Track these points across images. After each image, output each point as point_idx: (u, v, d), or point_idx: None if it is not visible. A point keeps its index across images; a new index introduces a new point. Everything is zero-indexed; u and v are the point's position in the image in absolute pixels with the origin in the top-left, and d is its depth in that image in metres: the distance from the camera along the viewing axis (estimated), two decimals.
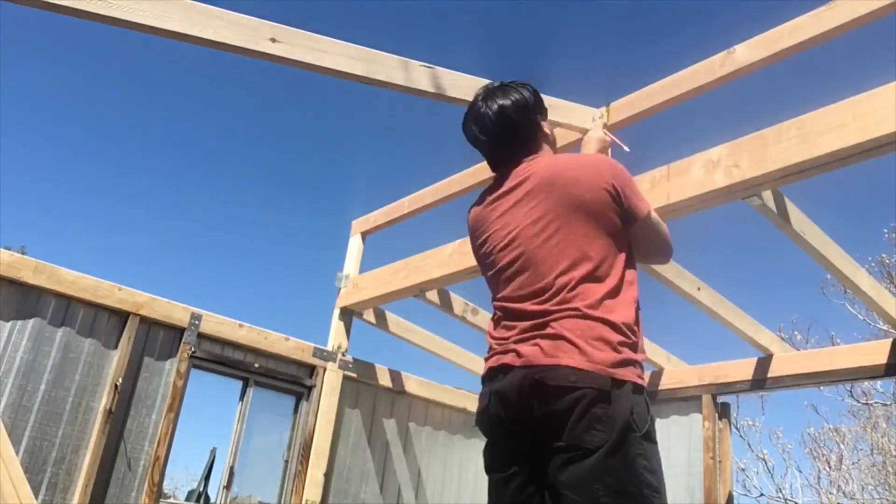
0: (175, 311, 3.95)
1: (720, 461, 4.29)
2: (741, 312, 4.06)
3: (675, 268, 3.70)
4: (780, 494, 14.46)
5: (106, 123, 33.14)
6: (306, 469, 4.19)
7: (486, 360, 1.93)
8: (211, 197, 36.98)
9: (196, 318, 3.98)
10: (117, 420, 3.69)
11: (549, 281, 1.82)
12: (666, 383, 4.60)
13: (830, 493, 14.58)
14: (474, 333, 4.70)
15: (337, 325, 4.58)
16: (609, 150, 2.63)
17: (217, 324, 4.06)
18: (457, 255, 3.87)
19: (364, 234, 4.82)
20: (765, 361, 4.23)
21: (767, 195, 2.90)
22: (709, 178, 2.80)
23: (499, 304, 1.96)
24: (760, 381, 4.22)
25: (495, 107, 2.09)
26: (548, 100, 3.17)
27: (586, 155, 2.35)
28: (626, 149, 2.50)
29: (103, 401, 3.67)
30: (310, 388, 4.35)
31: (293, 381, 4.33)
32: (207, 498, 5.03)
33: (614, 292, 1.81)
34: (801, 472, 15.18)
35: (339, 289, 4.65)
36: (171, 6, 2.43)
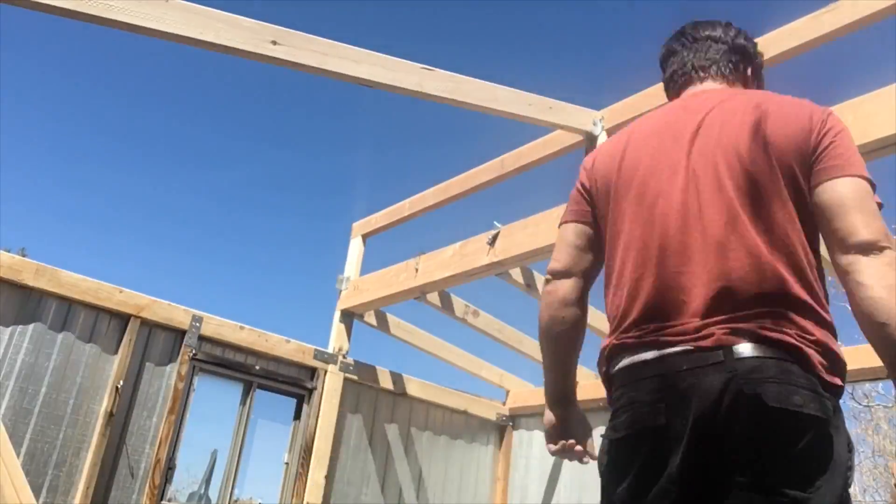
0: (176, 313, 3.95)
1: None
2: None
3: None
4: None
5: (107, 125, 33.19)
6: (307, 471, 4.19)
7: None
8: (212, 199, 37.01)
9: (197, 320, 3.98)
10: (118, 422, 3.69)
11: None
12: None
13: None
14: (475, 335, 4.70)
15: (338, 328, 4.58)
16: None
17: (218, 326, 4.06)
18: (458, 256, 3.87)
19: (365, 237, 4.82)
20: None
21: None
22: None
23: None
24: None
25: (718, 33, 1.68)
26: (546, 101, 3.19)
27: None
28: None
29: (104, 403, 3.66)
30: (311, 391, 4.35)
31: (294, 383, 4.32)
32: (209, 500, 5.02)
33: None
34: None
35: (340, 291, 4.65)
36: (172, 9, 2.44)
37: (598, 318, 4.22)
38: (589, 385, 4.66)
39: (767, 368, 1.26)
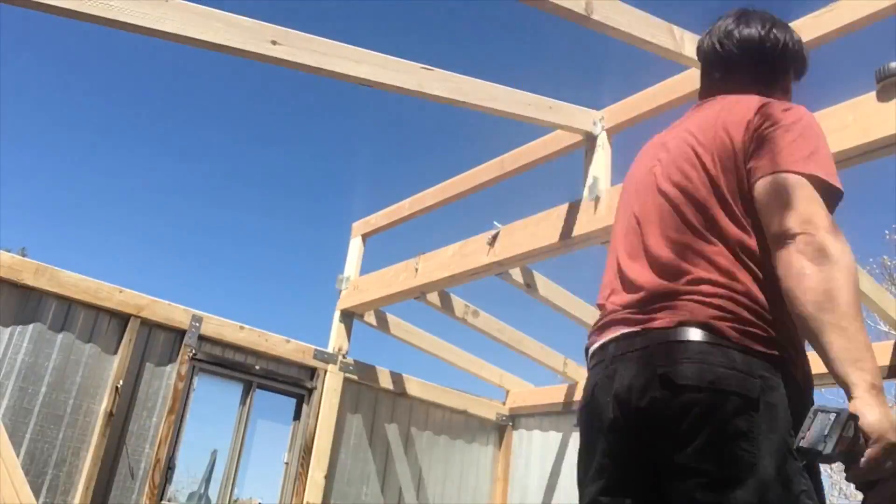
0: (176, 313, 3.95)
1: None
2: None
3: None
4: None
5: (108, 126, 33.20)
6: (307, 471, 4.19)
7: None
8: (212, 199, 37.03)
9: (197, 320, 3.98)
10: (118, 422, 3.69)
11: None
12: None
13: (832, 496, 14.56)
14: (475, 335, 4.70)
15: (338, 327, 4.57)
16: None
17: (218, 326, 4.06)
18: (458, 256, 3.87)
19: (365, 237, 4.82)
20: None
21: None
22: None
23: None
24: None
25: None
26: (546, 101, 3.19)
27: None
28: None
29: (104, 403, 3.66)
30: (311, 391, 4.34)
31: (294, 383, 4.32)
32: (209, 500, 5.02)
33: None
34: None
35: (340, 291, 4.65)
36: (172, 8, 2.43)
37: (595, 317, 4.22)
38: None
39: (685, 349, 1.31)
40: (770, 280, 1.36)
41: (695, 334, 1.32)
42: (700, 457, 1.24)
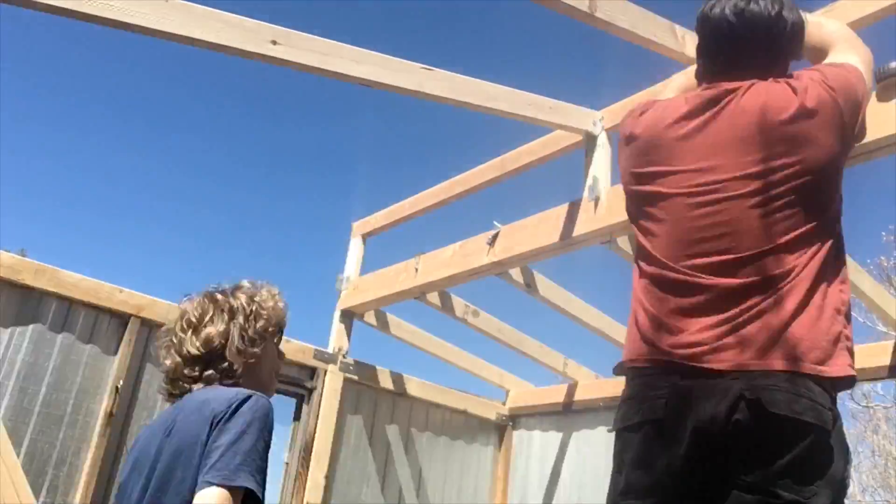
0: (176, 313, 3.93)
1: None
2: None
3: None
4: None
5: (107, 125, 33.17)
6: (307, 471, 4.19)
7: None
8: (211, 200, 36.99)
9: None
10: (118, 422, 3.69)
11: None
12: None
13: None
14: (475, 335, 4.70)
15: (338, 327, 4.57)
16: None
17: None
18: (458, 256, 3.87)
19: (365, 236, 4.81)
20: None
21: None
22: None
23: None
24: None
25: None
26: (546, 101, 3.19)
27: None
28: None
29: (104, 403, 3.66)
30: (311, 391, 4.34)
31: (294, 383, 4.32)
32: None
33: None
34: None
35: (340, 291, 4.65)
36: (172, 8, 2.43)
37: (595, 317, 4.22)
38: (589, 385, 4.69)
39: (769, 376, 1.38)
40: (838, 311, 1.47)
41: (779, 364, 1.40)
42: (773, 480, 1.32)
